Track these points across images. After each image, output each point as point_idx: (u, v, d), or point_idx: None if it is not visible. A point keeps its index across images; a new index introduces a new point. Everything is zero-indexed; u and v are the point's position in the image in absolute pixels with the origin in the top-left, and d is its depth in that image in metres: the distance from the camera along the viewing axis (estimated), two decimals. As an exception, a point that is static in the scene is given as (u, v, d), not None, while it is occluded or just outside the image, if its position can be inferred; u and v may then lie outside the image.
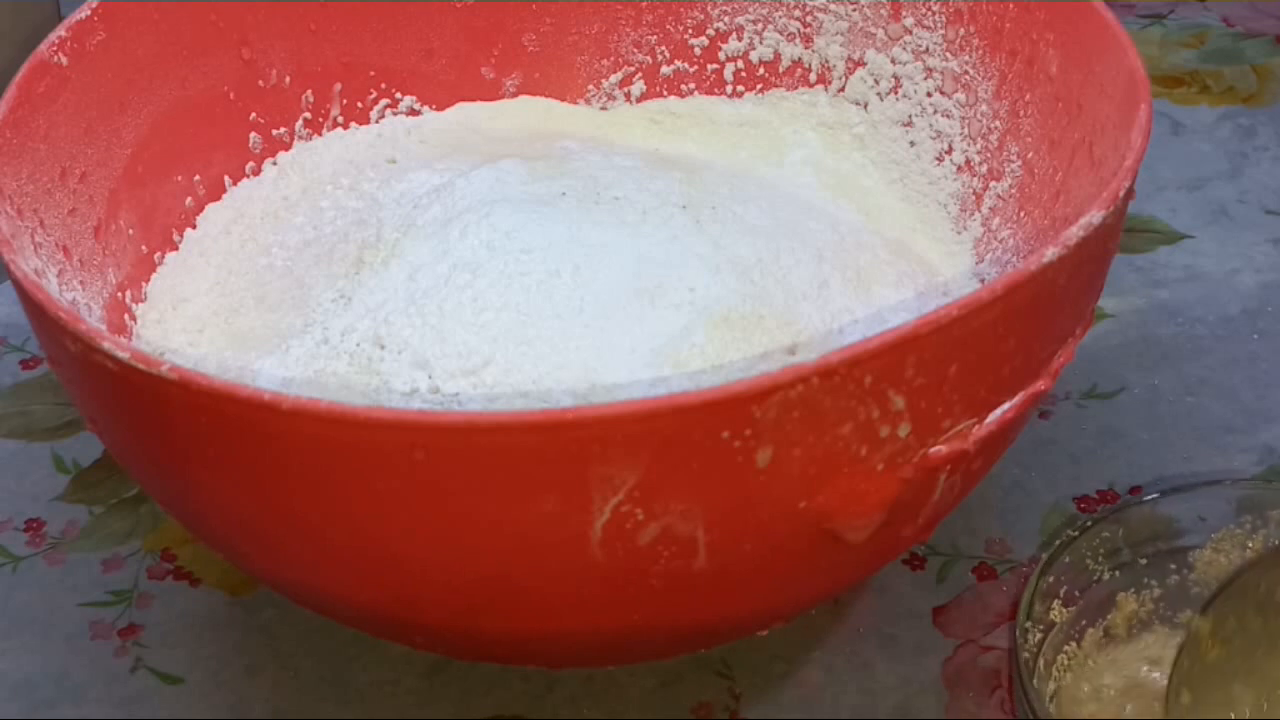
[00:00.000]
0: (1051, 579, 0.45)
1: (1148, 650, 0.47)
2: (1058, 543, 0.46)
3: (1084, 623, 0.46)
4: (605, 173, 0.53)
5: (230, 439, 0.37)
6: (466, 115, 0.61)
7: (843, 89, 0.59)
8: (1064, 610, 0.46)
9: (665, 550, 0.37)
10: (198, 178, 0.54)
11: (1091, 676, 0.46)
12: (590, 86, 0.62)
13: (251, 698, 0.48)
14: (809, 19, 0.59)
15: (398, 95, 0.60)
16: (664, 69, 0.61)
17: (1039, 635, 0.45)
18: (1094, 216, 0.39)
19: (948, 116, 0.56)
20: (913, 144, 0.57)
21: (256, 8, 0.55)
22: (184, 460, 0.39)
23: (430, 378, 0.45)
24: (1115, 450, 0.56)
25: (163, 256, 0.53)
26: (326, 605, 0.44)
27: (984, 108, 0.54)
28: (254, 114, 0.56)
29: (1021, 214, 0.52)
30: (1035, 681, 0.43)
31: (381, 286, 0.48)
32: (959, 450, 0.38)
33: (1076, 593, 0.46)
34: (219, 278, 0.52)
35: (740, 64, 0.61)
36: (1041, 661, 0.44)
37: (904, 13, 0.56)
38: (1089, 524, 0.46)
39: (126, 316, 0.50)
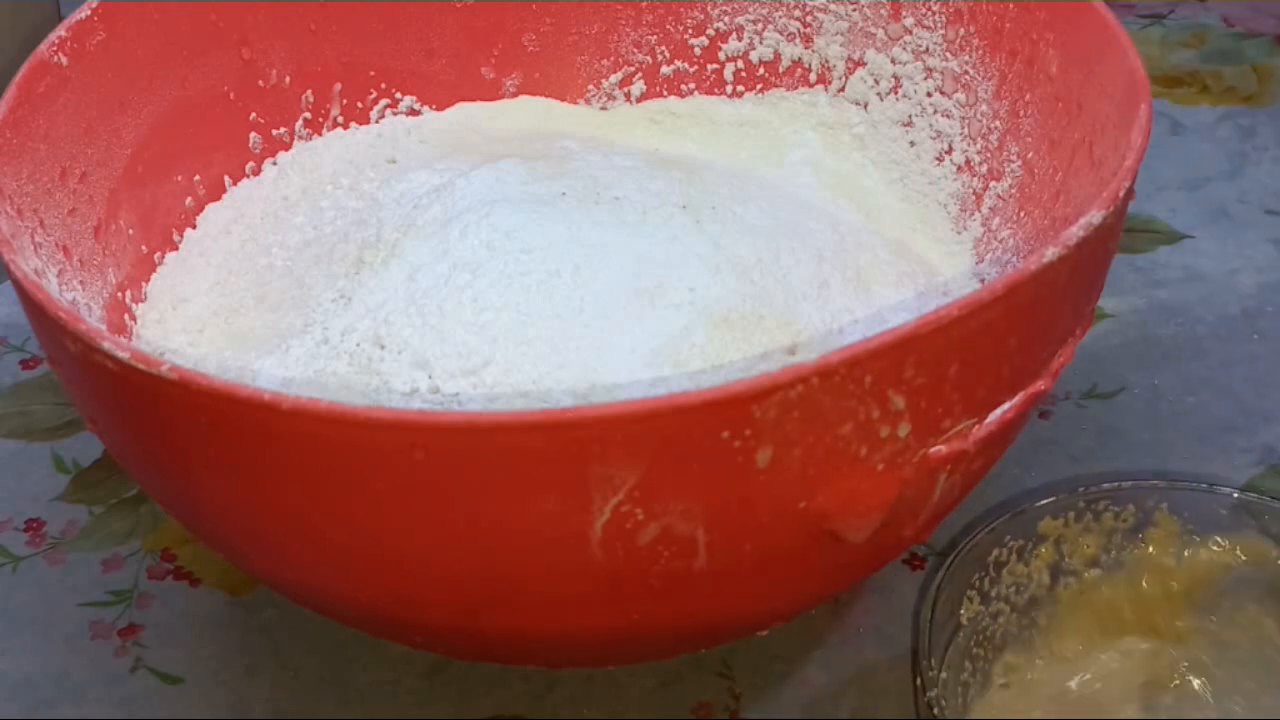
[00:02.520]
0: (958, 579, 0.44)
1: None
2: (965, 543, 0.45)
3: (993, 629, 0.45)
4: (605, 173, 0.53)
5: (230, 439, 0.37)
6: (466, 115, 0.61)
7: (843, 89, 0.59)
8: (973, 606, 0.45)
9: (665, 550, 0.37)
10: (198, 178, 0.54)
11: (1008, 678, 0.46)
12: (590, 86, 0.62)
13: (251, 698, 0.48)
14: (809, 19, 0.59)
15: (398, 95, 0.60)
16: (664, 69, 0.61)
17: (946, 635, 0.44)
18: (1094, 216, 0.39)
19: (948, 116, 0.56)
20: (913, 144, 0.57)
21: (256, 8, 0.55)
22: (184, 460, 0.39)
23: (430, 378, 0.45)
24: (1115, 450, 0.56)
25: (163, 256, 0.53)
26: (326, 605, 0.44)
27: (984, 108, 0.54)
28: (254, 114, 0.56)
29: (1021, 214, 0.52)
30: (941, 687, 0.43)
31: (381, 286, 0.48)
32: (959, 450, 0.38)
33: (980, 595, 0.45)
34: (219, 278, 0.52)
35: (740, 64, 0.61)
36: (948, 665, 0.44)
37: (904, 13, 0.56)
38: (993, 525, 0.46)
39: (126, 316, 0.50)
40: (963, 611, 0.45)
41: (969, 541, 0.45)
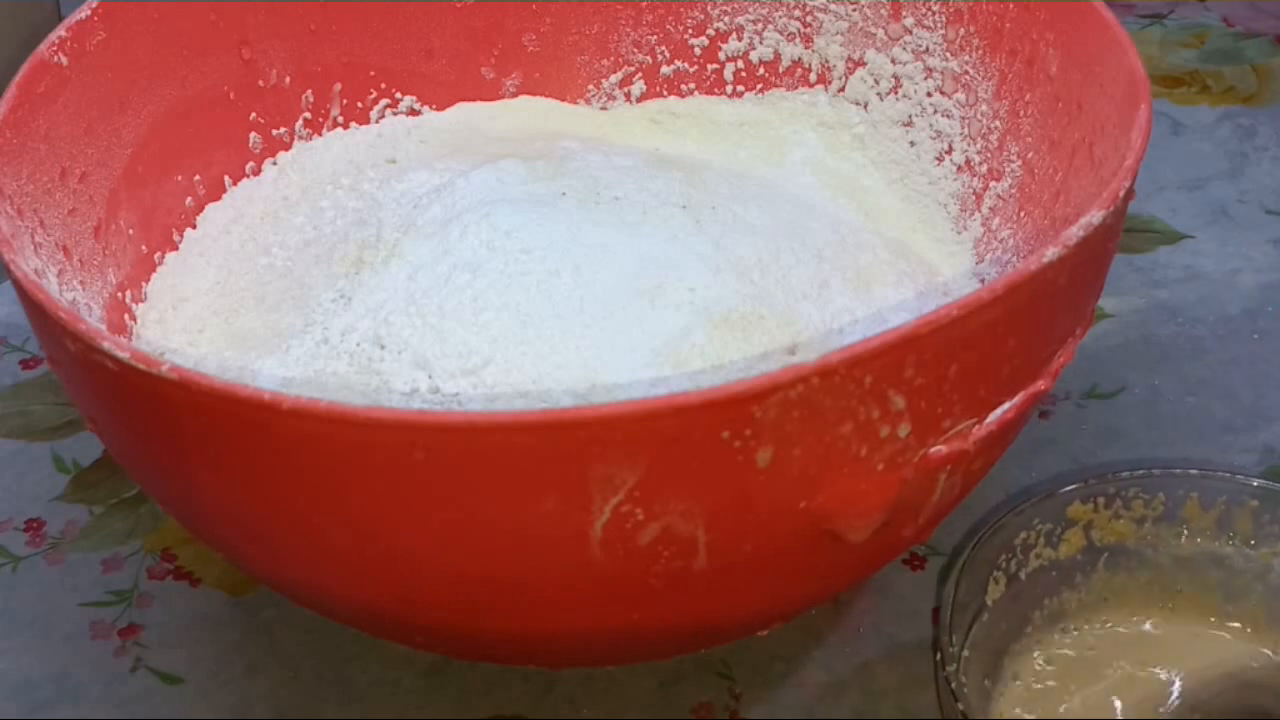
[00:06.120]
0: (984, 560, 0.45)
1: (1084, 640, 0.47)
2: (991, 524, 0.46)
3: (1017, 611, 0.46)
4: (605, 173, 0.53)
5: (230, 439, 0.37)
6: (466, 115, 0.61)
7: (843, 89, 0.59)
8: (998, 588, 0.46)
9: (665, 550, 0.37)
10: (198, 178, 0.54)
11: (1034, 667, 0.46)
12: (590, 86, 0.62)
13: (251, 698, 0.48)
14: (809, 19, 0.59)
15: (398, 95, 0.60)
16: (664, 69, 0.61)
17: (970, 616, 0.44)
18: (1094, 216, 0.39)
19: (948, 116, 0.56)
20: (913, 144, 0.57)
21: (256, 8, 0.55)
22: (184, 460, 0.39)
23: (430, 378, 0.45)
24: (1115, 450, 0.56)
25: (163, 256, 0.53)
26: (326, 605, 0.44)
27: (984, 108, 0.54)
28: (254, 114, 0.56)
29: (1021, 214, 0.52)
30: (963, 665, 0.43)
31: (381, 286, 0.48)
32: (959, 450, 0.38)
33: (1007, 577, 0.46)
34: (219, 278, 0.52)
35: (740, 64, 0.61)
36: (971, 645, 0.44)
37: (904, 13, 0.56)
38: (1021, 507, 0.46)
39: (126, 316, 0.50)
40: (987, 595, 0.45)
41: (996, 522, 0.45)
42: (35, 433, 0.58)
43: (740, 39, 0.60)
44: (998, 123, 0.53)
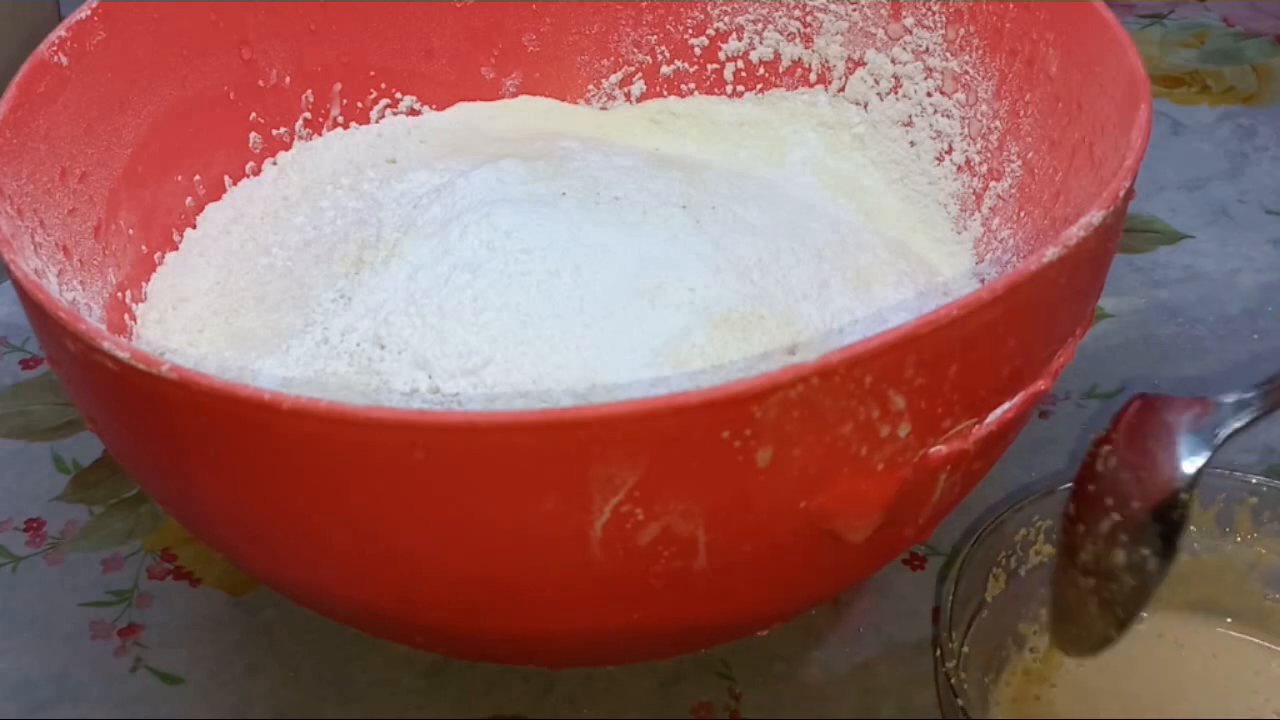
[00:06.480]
0: (983, 556, 0.45)
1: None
2: (990, 521, 0.46)
3: (1017, 608, 0.46)
4: (605, 173, 0.53)
5: (230, 439, 0.37)
6: (466, 115, 0.61)
7: (843, 89, 0.59)
8: (998, 584, 0.46)
9: (665, 550, 0.37)
10: (198, 178, 0.54)
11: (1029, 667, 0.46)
12: (590, 86, 0.62)
13: (251, 698, 0.48)
14: (809, 19, 0.59)
15: (398, 95, 0.60)
16: (664, 69, 0.61)
17: (970, 612, 0.45)
18: (1094, 216, 0.39)
19: (948, 116, 0.56)
20: (913, 144, 0.57)
21: (256, 8, 0.55)
22: (184, 460, 0.39)
23: (430, 378, 0.45)
24: (1115, 450, 0.56)
25: (163, 256, 0.53)
26: (326, 605, 0.44)
27: (984, 108, 0.54)
28: (254, 114, 0.56)
29: (1021, 214, 0.52)
30: (963, 661, 0.43)
31: (381, 286, 0.48)
32: (959, 450, 0.38)
33: (1007, 574, 0.46)
34: (219, 278, 0.52)
35: (740, 64, 0.61)
36: (970, 641, 0.44)
37: (904, 13, 0.56)
38: (1020, 504, 0.46)
39: (126, 316, 0.50)
40: (987, 591, 0.45)
41: (995, 519, 0.45)
42: (35, 433, 0.58)
43: (740, 39, 0.60)
44: (998, 123, 0.53)
